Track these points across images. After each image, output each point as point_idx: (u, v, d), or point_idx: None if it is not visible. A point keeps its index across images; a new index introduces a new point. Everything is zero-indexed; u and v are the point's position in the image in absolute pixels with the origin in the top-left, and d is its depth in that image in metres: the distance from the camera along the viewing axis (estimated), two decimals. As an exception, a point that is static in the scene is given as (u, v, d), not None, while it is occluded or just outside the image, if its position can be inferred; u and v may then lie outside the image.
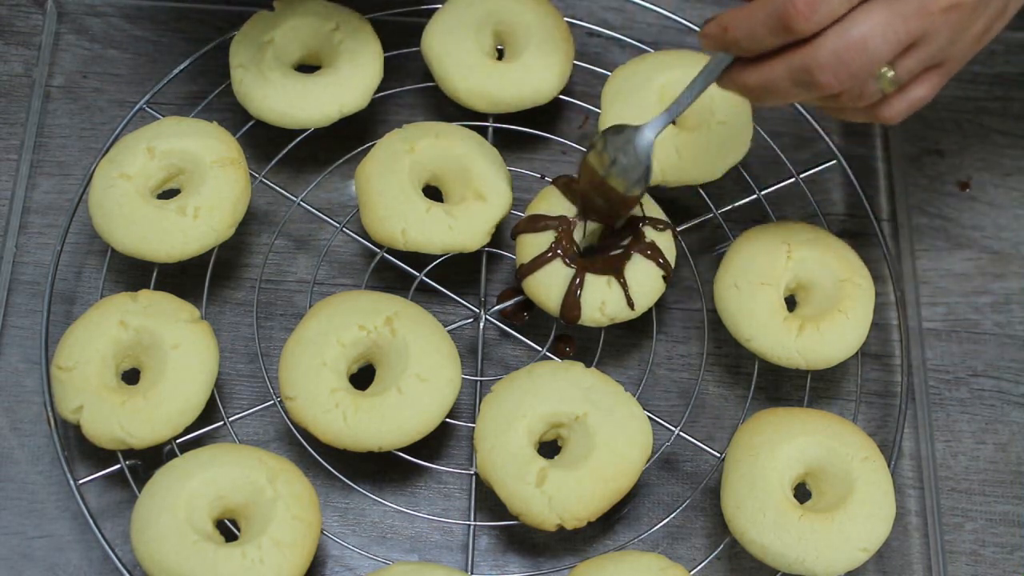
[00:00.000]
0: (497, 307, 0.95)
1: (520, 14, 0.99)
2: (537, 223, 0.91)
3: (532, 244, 0.91)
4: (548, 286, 0.90)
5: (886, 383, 0.97)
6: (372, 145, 0.95)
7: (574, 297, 0.89)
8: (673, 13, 1.05)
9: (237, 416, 0.89)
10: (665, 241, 0.91)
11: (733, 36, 0.76)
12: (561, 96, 1.01)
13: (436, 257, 0.94)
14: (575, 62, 1.01)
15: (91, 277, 0.96)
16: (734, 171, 0.98)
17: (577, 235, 0.92)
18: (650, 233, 0.91)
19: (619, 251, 0.91)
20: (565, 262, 0.90)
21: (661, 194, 0.95)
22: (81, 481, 0.85)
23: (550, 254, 0.90)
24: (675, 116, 0.85)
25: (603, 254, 0.92)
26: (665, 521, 0.88)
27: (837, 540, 0.83)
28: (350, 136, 1.00)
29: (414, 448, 0.87)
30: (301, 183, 0.97)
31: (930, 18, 0.73)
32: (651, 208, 0.93)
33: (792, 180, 1.00)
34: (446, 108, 1.01)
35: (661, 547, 0.90)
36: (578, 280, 0.89)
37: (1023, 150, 1.06)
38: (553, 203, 0.92)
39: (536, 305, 0.94)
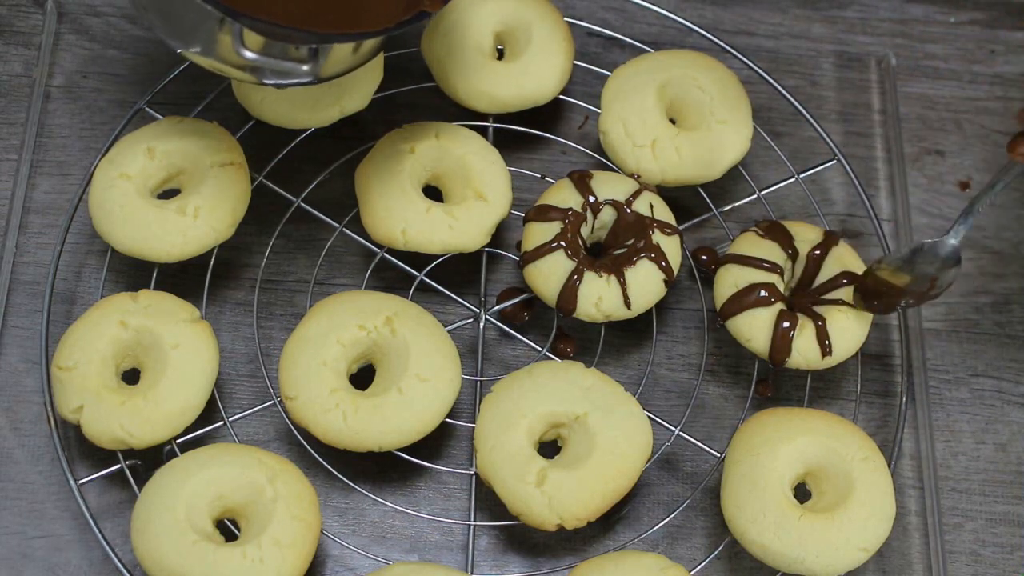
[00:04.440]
0: (497, 307, 0.95)
1: (520, 14, 0.99)
2: (546, 213, 0.91)
3: (538, 233, 0.91)
4: (548, 276, 0.90)
5: (886, 383, 0.97)
6: (372, 145, 0.95)
7: (572, 289, 0.89)
8: (673, 13, 1.05)
9: (237, 416, 0.89)
10: (671, 246, 0.91)
11: None
12: (561, 96, 1.01)
13: (436, 257, 0.94)
14: (575, 62, 1.01)
15: (91, 277, 0.96)
16: (734, 171, 0.98)
17: (585, 231, 0.92)
18: (657, 236, 0.91)
19: (624, 251, 0.91)
20: (567, 254, 0.90)
21: (661, 194, 0.95)
22: (81, 481, 0.85)
23: (554, 244, 0.90)
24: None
25: (608, 252, 0.92)
26: (665, 521, 0.88)
27: (837, 540, 0.83)
28: (350, 136, 0.99)
29: (414, 448, 0.87)
30: (301, 183, 0.97)
31: None
32: (661, 211, 0.93)
33: (792, 180, 1.00)
34: (446, 108, 1.00)
35: (661, 547, 0.90)
36: (577, 273, 0.89)
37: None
38: (565, 195, 0.92)
39: (536, 303, 0.94)
